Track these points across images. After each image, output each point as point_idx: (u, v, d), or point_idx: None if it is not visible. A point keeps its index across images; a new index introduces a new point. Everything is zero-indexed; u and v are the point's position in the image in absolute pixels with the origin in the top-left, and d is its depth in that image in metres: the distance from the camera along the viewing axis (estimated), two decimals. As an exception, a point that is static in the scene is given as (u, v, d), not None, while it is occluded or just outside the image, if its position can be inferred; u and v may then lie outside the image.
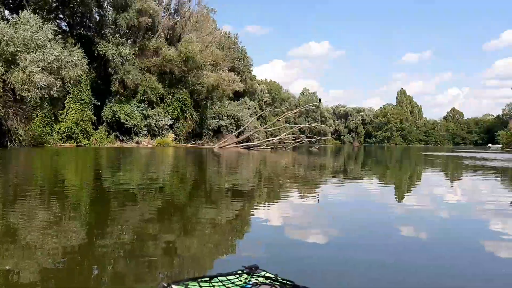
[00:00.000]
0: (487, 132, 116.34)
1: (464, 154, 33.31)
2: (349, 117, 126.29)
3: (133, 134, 40.47)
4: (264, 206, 5.97)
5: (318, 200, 6.66)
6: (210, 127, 50.58)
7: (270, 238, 4.04)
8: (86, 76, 36.19)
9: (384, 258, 3.33)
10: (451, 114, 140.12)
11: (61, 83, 27.59)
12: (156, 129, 41.31)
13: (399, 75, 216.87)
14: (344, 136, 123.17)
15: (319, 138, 59.63)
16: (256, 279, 1.72)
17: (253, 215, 5.35)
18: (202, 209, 5.65)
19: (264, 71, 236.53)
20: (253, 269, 1.83)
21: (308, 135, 51.81)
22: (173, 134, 42.71)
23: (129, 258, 3.21)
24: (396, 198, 7.51)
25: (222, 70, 51.57)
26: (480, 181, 11.12)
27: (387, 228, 4.68)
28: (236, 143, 41.69)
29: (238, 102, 60.24)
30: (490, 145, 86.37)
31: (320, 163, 18.65)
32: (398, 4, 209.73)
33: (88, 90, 37.23)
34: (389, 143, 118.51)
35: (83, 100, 36.51)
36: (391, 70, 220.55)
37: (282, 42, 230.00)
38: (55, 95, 26.97)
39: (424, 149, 60.10)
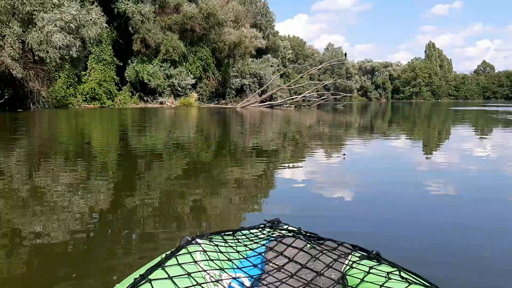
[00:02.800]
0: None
1: (495, 108, 32.17)
2: (376, 72, 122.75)
3: (157, 94, 40.47)
4: (288, 165, 5.90)
5: (344, 157, 6.54)
6: (233, 86, 50.06)
7: (294, 196, 4.01)
8: (107, 35, 35.64)
9: (408, 216, 3.27)
10: (481, 68, 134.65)
11: (80, 43, 27.04)
12: (180, 89, 41.15)
13: (428, 28, 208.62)
14: (370, 92, 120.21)
15: (345, 95, 58.28)
16: (280, 232, 1.69)
17: (276, 173, 5.31)
18: (227, 168, 5.63)
19: (287, 26, 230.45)
20: (275, 222, 1.82)
21: (333, 92, 50.92)
22: (196, 94, 42.57)
23: (156, 215, 3.23)
24: (424, 155, 7.32)
25: (244, 27, 50.35)
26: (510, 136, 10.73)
27: (413, 186, 4.55)
28: (259, 102, 41.32)
29: (260, 59, 59.06)
30: None
31: (345, 121, 18.36)
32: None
33: (110, 50, 36.97)
34: (418, 98, 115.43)
35: (105, 60, 36.34)
36: (419, 23, 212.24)
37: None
38: (75, 55, 26.55)
39: (454, 104, 58.40)
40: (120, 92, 38.60)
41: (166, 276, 1.20)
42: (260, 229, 1.76)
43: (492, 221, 3.21)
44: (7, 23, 23.73)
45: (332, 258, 1.41)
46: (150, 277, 1.17)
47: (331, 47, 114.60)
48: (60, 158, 6.50)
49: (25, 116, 19.55)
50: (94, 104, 34.40)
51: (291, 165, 5.90)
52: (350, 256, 1.43)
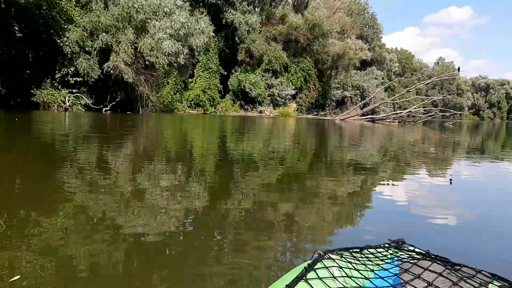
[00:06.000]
0: None
1: None
2: (491, 90, 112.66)
3: (256, 103, 41.39)
4: (388, 183, 5.58)
5: (451, 181, 6.00)
6: (334, 98, 49.45)
7: (395, 216, 3.74)
8: (214, 45, 37.22)
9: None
10: None
11: (188, 50, 28.47)
12: (279, 99, 41.63)
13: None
14: (483, 111, 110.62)
15: (454, 112, 54.46)
16: (409, 254, 1.68)
17: (376, 191, 5.05)
18: (323, 183, 5.49)
19: (395, 39, 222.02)
20: (400, 243, 1.80)
21: (441, 108, 47.78)
22: (295, 104, 42.75)
23: (248, 223, 3.23)
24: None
25: (349, 38, 49.54)
26: None
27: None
28: (360, 115, 40.23)
29: (364, 72, 57.61)
30: None
31: (454, 141, 17.03)
32: None
33: (216, 59, 38.65)
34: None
35: (211, 68, 38.08)
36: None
37: (417, 7, 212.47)
38: (182, 62, 27.94)
39: None
40: (223, 100, 40.18)
41: None
42: (386, 248, 1.75)
43: None
44: (123, 30, 25.93)
45: (473, 286, 1.35)
46: None
47: (442, 62, 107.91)
48: (163, 160, 6.89)
49: (135, 117, 21.27)
50: (197, 110, 36.25)
51: (391, 183, 5.58)
52: (490, 285, 1.36)
